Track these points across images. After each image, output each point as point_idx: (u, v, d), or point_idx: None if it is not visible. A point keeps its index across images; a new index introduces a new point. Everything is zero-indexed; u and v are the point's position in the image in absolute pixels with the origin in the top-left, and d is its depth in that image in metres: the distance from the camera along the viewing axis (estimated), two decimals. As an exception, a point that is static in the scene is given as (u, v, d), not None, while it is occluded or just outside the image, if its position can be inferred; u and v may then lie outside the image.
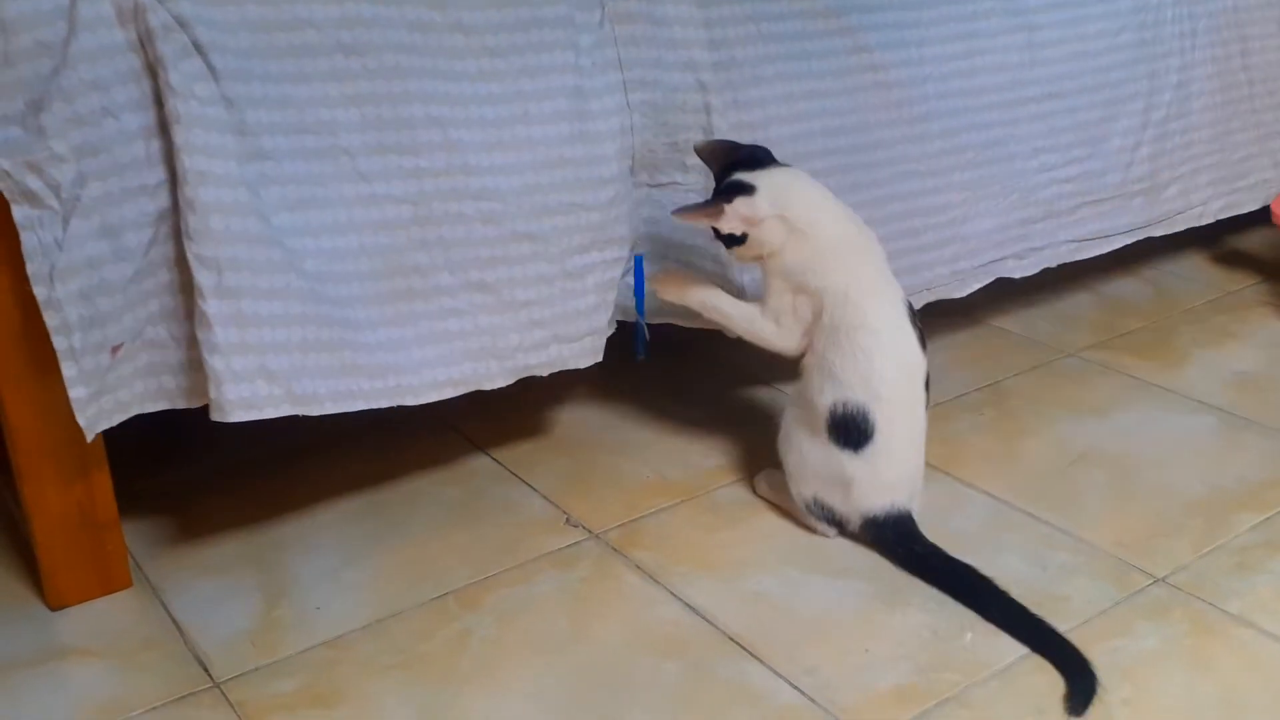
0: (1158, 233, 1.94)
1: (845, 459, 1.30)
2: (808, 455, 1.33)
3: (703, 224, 1.33)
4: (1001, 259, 1.76)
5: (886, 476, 1.31)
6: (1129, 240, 1.91)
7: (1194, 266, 2.15)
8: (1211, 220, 2.01)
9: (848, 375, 1.28)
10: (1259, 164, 2.06)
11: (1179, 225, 1.97)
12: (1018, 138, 1.71)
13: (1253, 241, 2.23)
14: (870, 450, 1.29)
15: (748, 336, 1.37)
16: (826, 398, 1.30)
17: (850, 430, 1.29)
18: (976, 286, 1.73)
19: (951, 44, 1.63)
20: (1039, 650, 1.17)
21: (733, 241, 1.32)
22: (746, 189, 1.29)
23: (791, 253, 1.30)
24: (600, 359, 1.43)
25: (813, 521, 1.36)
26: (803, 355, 1.34)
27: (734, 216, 1.29)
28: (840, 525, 1.35)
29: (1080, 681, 1.12)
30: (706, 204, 1.31)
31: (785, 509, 1.40)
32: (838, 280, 1.29)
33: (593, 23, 1.36)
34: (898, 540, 1.31)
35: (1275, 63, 2.03)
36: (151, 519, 1.42)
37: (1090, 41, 1.78)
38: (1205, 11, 1.92)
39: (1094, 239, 1.86)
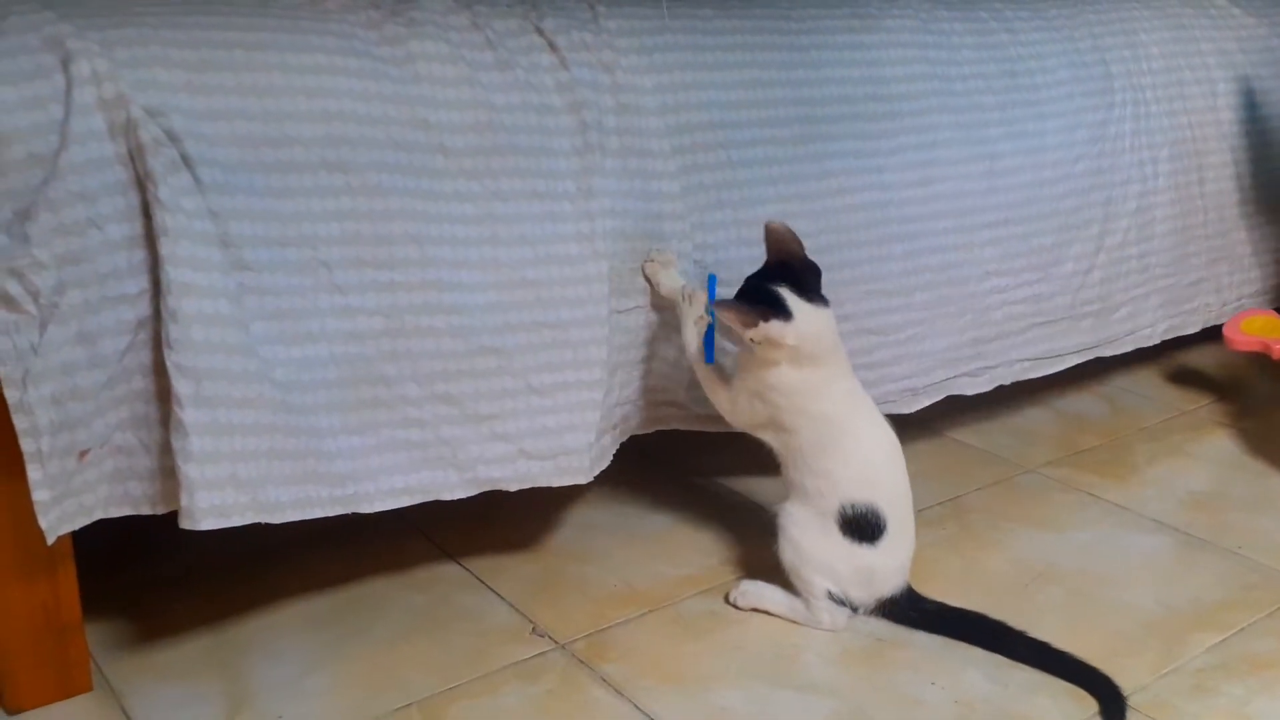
0: (1107, 353, 2.00)
1: (866, 553, 1.39)
2: (828, 553, 1.40)
3: (733, 322, 1.34)
4: (955, 376, 1.80)
5: (901, 559, 1.42)
6: (1079, 359, 1.97)
7: (1150, 385, 2.20)
8: (1158, 341, 2.08)
9: (849, 477, 1.39)
10: (1204, 288, 2.13)
11: (1127, 346, 2.03)
12: (971, 261, 1.77)
13: (1207, 361, 2.28)
14: (886, 540, 1.39)
15: (708, 394, 1.47)
16: (832, 501, 1.39)
17: (865, 527, 1.39)
18: (928, 403, 1.78)
19: (911, 171, 1.69)
20: (1063, 676, 1.32)
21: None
22: (786, 314, 1.34)
23: (780, 375, 1.38)
24: (583, 480, 1.43)
25: (823, 614, 1.41)
26: (745, 433, 1.45)
27: (762, 333, 1.33)
28: (853, 609, 1.43)
29: (1112, 705, 1.27)
30: (748, 309, 1.33)
31: (776, 614, 1.44)
32: (820, 407, 1.39)
33: (573, 150, 1.40)
34: (910, 607, 1.43)
35: (1227, 190, 2.12)
36: (113, 620, 1.41)
37: (1046, 170, 1.85)
38: (1167, 140, 2.00)
39: (1045, 358, 1.92)
